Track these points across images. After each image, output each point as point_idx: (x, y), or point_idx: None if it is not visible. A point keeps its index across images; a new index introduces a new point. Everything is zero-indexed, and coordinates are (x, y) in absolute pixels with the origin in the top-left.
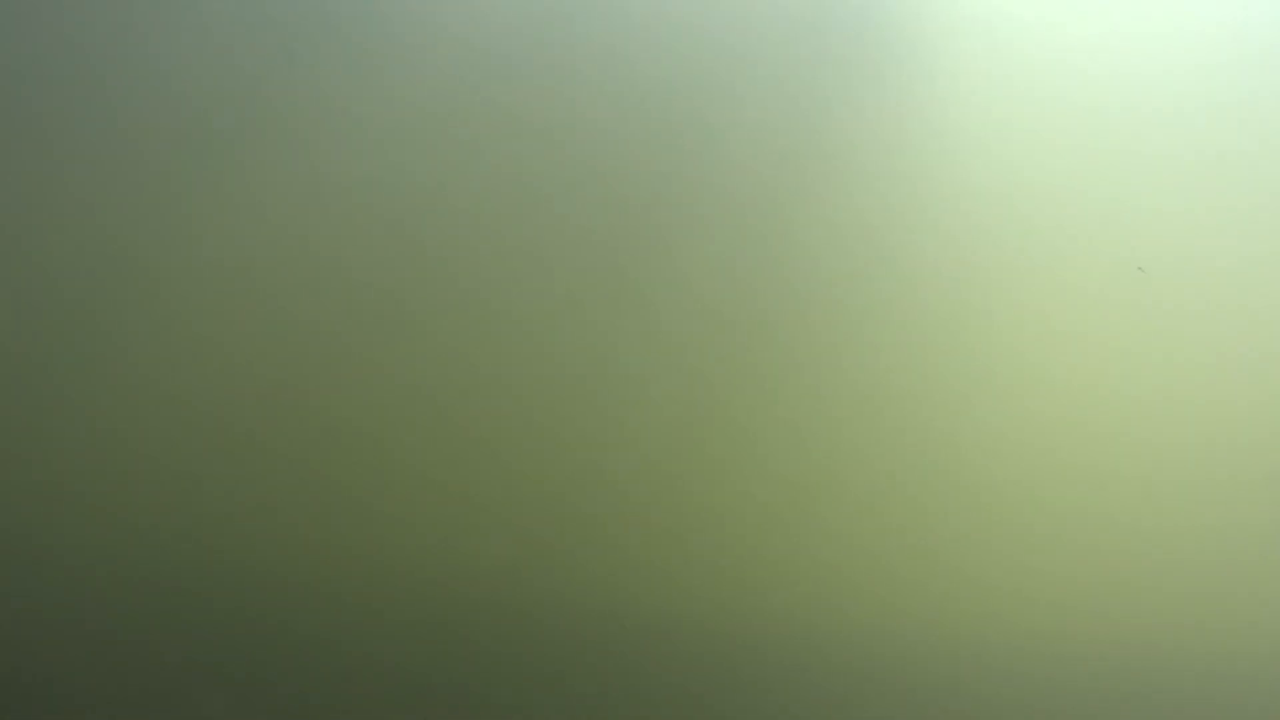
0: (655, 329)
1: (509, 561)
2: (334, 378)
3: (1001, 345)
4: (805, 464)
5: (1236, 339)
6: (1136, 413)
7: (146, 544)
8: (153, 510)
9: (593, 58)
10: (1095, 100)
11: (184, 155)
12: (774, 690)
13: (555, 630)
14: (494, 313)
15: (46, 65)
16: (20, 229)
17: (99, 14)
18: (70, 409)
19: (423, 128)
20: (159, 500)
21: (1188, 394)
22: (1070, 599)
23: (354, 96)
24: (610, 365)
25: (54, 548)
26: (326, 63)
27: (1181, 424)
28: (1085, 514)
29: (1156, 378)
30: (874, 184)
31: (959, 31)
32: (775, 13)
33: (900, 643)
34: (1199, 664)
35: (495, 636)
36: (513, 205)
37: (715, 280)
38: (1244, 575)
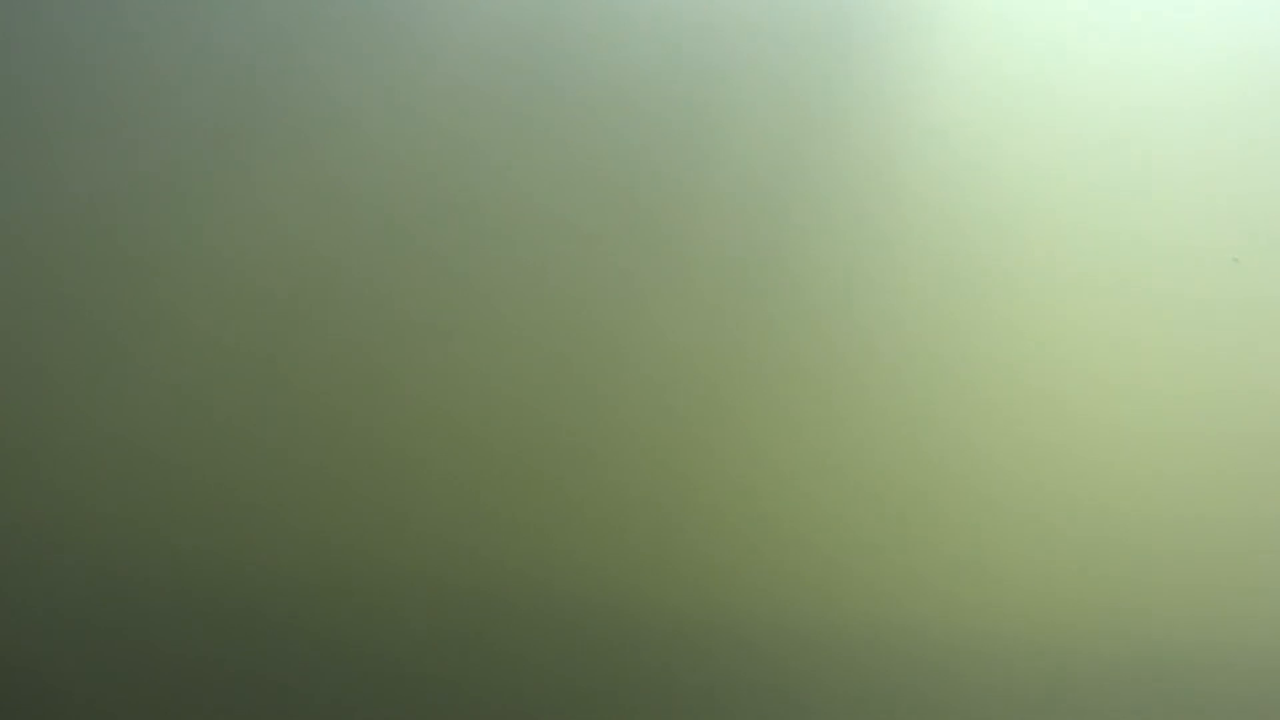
0: (658, 327)
1: (516, 561)
2: (339, 378)
3: (1055, 345)
4: (812, 463)
5: None
6: (1233, 408)
7: (144, 548)
8: (153, 514)
9: (594, 59)
10: (1178, 93)
11: (184, 156)
12: (780, 687)
13: (563, 629)
14: (497, 311)
15: (47, 64)
16: (22, 232)
17: (101, 15)
18: (74, 410)
19: (426, 128)
20: (159, 503)
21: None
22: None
23: (356, 96)
24: (614, 364)
25: (56, 549)
26: (327, 62)
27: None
28: (1175, 518)
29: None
30: (895, 177)
31: (992, 25)
32: (777, 11)
33: (909, 639)
34: (1217, 660)
35: (502, 637)
36: (514, 206)
37: (719, 279)
38: None
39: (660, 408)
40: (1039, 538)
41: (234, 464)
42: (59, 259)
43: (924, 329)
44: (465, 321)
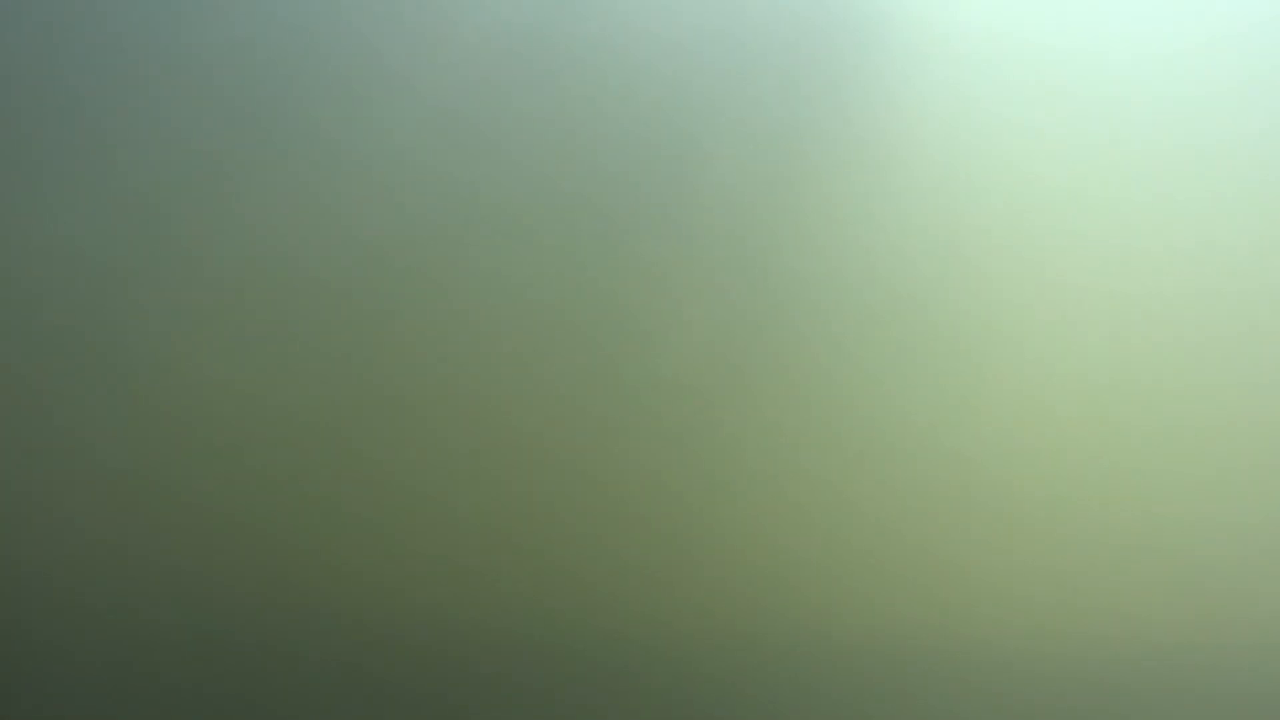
0: (648, 343)
1: (507, 578)
2: (331, 393)
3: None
4: (803, 474)
5: None
6: (1228, 410)
7: (139, 559)
8: (148, 534)
9: (575, 81)
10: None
11: (181, 167)
12: (779, 698)
13: (556, 647)
14: (483, 330)
15: (46, 64)
16: (16, 242)
17: (99, 19)
18: (67, 422)
19: (404, 150)
20: (154, 514)
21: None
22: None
23: (335, 116)
24: (601, 379)
25: (52, 560)
26: (318, 77)
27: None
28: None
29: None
30: (881, 187)
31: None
32: (770, 32)
33: (904, 646)
34: (1208, 661)
35: (496, 655)
36: (496, 225)
37: (708, 296)
38: None
39: (653, 423)
40: (1029, 543)
41: (233, 484)
42: (56, 271)
43: (914, 338)
44: (452, 337)
